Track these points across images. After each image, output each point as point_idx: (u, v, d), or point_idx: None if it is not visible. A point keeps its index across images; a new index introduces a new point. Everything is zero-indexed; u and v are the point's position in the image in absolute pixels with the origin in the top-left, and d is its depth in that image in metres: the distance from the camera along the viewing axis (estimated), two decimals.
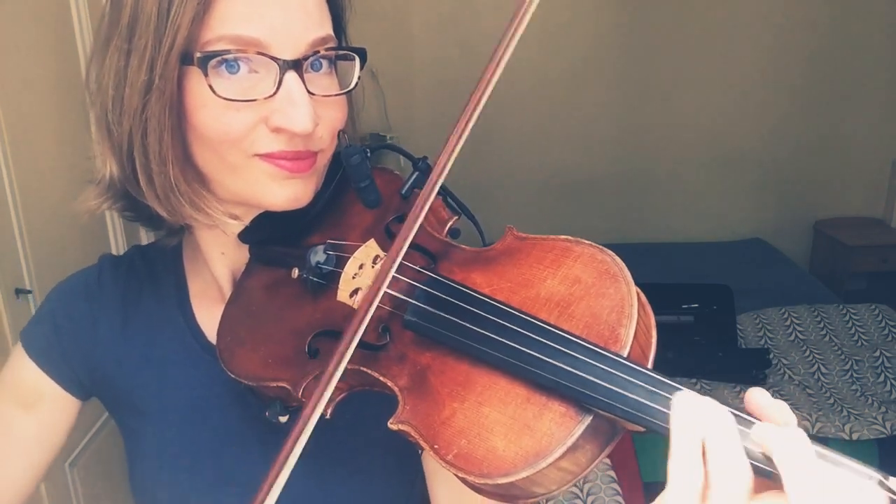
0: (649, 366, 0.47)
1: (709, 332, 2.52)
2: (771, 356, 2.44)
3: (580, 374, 0.44)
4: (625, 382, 0.43)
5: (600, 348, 0.45)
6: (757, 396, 0.42)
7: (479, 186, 3.56)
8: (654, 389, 0.43)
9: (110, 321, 0.74)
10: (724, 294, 2.60)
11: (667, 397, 0.42)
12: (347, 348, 0.50)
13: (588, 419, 0.44)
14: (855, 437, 2.07)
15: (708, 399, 0.41)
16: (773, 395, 0.41)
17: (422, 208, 0.52)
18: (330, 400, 0.56)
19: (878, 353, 2.49)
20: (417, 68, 3.55)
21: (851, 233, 3.66)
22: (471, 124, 0.51)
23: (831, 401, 2.25)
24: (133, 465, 0.75)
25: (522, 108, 3.53)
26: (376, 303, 0.51)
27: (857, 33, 3.56)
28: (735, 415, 0.41)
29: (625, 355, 0.45)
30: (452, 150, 0.51)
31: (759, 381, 2.30)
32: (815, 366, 2.45)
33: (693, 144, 3.70)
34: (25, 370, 0.73)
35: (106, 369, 0.74)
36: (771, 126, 3.69)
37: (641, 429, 0.44)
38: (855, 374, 2.42)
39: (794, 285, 3.14)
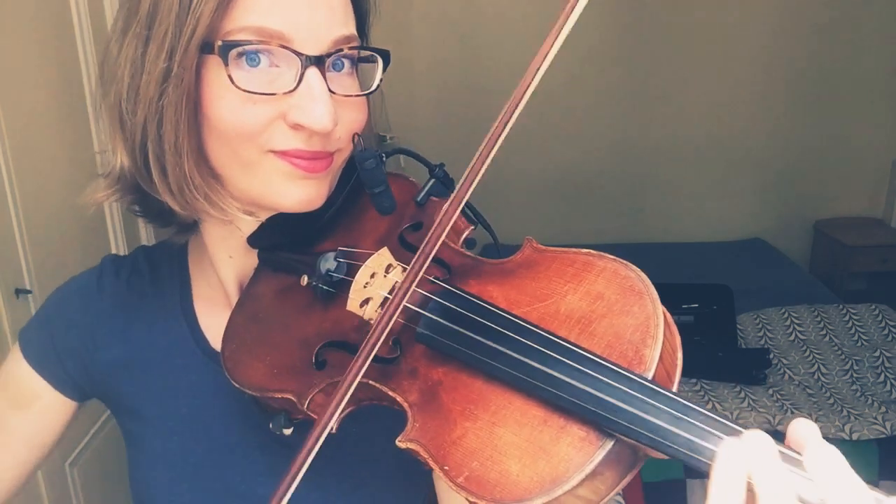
0: (674, 389, 0.44)
1: (709, 332, 2.52)
2: (771, 356, 2.44)
3: (602, 396, 0.42)
4: (649, 407, 0.41)
5: (623, 369, 0.43)
6: (802, 430, 0.38)
7: (479, 189, 3.55)
8: (681, 416, 0.40)
9: (110, 325, 0.73)
10: (724, 294, 2.60)
11: (694, 424, 0.40)
12: (362, 366, 0.47)
13: (609, 444, 0.42)
14: (855, 437, 2.06)
15: (755, 437, 0.37)
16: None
17: (443, 228, 0.49)
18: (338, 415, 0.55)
19: (878, 353, 2.48)
20: (417, 68, 3.55)
21: (851, 233, 3.67)
22: (499, 143, 0.50)
23: (831, 401, 2.25)
24: (133, 470, 0.74)
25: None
26: (392, 321, 0.48)
27: (857, 34, 3.55)
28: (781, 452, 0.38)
29: (649, 378, 0.43)
30: (478, 173, 0.49)
31: (759, 381, 2.29)
32: (815, 366, 2.45)
33: (693, 145, 3.70)
34: (21, 371, 0.73)
35: (106, 373, 0.73)
36: (771, 126, 3.69)
37: (664, 456, 0.41)
38: (855, 374, 2.42)
39: (794, 285, 3.14)
